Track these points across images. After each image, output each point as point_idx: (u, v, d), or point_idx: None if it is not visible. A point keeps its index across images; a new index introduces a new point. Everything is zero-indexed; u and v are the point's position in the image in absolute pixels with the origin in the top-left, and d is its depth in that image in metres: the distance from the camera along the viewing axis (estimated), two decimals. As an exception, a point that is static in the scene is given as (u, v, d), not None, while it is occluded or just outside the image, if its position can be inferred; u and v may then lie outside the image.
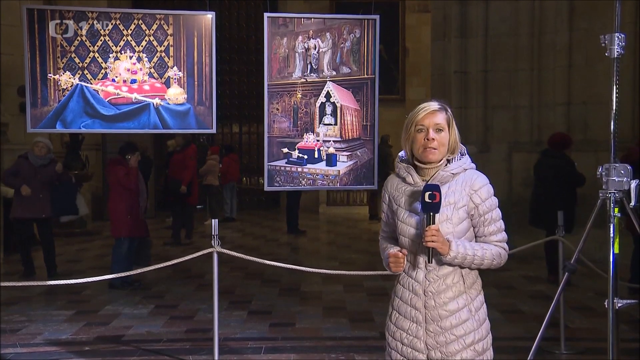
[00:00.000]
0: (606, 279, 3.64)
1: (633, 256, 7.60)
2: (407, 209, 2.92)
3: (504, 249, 2.92)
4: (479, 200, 2.87)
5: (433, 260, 2.80)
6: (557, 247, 6.91)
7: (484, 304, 2.96)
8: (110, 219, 9.10)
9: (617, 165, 3.62)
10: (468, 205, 2.86)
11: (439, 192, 2.75)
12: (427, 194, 2.74)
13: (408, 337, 2.91)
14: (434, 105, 2.88)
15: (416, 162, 2.93)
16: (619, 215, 3.60)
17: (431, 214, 2.76)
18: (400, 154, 3.03)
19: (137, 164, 9.03)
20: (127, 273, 6.71)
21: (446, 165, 2.90)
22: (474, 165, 2.96)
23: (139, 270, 6.51)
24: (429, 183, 2.83)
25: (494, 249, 2.88)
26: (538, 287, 8.45)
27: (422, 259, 2.87)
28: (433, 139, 2.84)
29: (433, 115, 2.86)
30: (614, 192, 3.60)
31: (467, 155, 2.96)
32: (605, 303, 3.62)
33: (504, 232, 2.93)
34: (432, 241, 2.74)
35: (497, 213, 2.91)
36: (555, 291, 4.21)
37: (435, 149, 2.84)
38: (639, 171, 4.04)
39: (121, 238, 8.80)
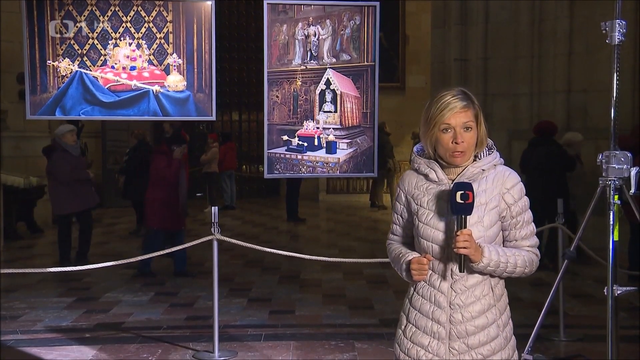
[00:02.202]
0: (605, 267, 3.65)
1: (631, 244, 7.61)
2: (432, 210, 2.58)
3: (536, 255, 2.62)
4: (512, 200, 2.57)
5: (464, 269, 2.49)
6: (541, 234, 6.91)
7: (511, 319, 2.66)
8: (145, 209, 8.91)
9: (617, 152, 3.63)
10: (500, 206, 2.56)
11: (472, 191, 2.44)
12: (458, 193, 2.43)
13: (427, 355, 2.58)
14: (459, 102, 2.52)
15: (439, 159, 2.61)
16: (618, 202, 3.60)
17: (462, 216, 2.44)
18: (415, 147, 2.72)
19: (182, 156, 8.69)
20: (125, 261, 6.69)
21: (474, 160, 2.60)
22: (502, 161, 2.66)
23: (138, 258, 6.52)
24: (459, 181, 2.52)
25: (526, 255, 2.58)
26: (537, 274, 8.44)
27: (448, 267, 2.55)
28: (462, 141, 2.52)
29: (460, 114, 2.51)
30: (614, 180, 3.61)
31: (495, 149, 2.65)
32: (605, 290, 3.63)
33: (535, 236, 2.64)
34: (465, 247, 2.42)
35: (530, 215, 2.62)
36: (554, 279, 4.22)
37: (463, 151, 2.53)
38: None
39: (155, 229, 8.60)
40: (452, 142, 2.52)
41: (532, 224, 2.63)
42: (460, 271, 2.49)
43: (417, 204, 2.63)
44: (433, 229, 2.57)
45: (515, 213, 2.57)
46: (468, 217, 2.46)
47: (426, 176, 2.63)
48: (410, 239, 2.71)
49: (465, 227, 2.44)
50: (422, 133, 2.61)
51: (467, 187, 2.44)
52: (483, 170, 2.58)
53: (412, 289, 2.67)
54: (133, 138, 12.52)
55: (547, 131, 8.95)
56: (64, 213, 9.30)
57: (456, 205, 2.43)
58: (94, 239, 11.67)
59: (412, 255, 2.61)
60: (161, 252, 6.50)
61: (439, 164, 2.61)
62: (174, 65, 5.63)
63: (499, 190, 2.56)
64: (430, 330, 2.58)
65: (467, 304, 2.54)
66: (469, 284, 2.54)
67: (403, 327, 2.68)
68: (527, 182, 8.88)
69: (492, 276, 2.56)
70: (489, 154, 2.62)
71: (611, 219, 3.59)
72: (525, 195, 2.61)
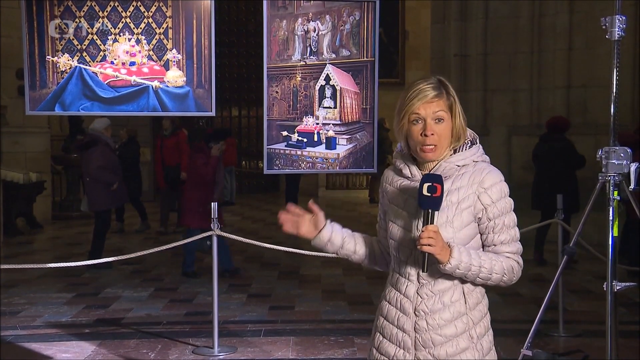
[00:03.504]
0: (605, 262, 3.65)
1: (632, 239, 7.61)
2: (401, 208, 2.42)
3: (518, 263, 2.40)
4: (488, 200, 2.33)
5: (427, 270, 2.27)
6: (546, 228, 6.88)
7: (490, 330, 2.45)
8: (182, 207, 8.77)
9: (617, 148, 3.63)
10: (475, 206, 2.33)
11: (441, 184, 2.23)
12: (425, 185, 2.23)
13: None
14: (430, 90, 2.32)
15: (414, 154, 2.42)
16: (618, 198, 3.60)
17: (429, 211, 2.23)
18: (398, 146, 2.54)
19: (220, 153, 8.39)
20: (125, 257, 6.70)
21: (451, 155, 2.39)
22: (486, 158, 2.43)
23: (139, 253, 6.51)
24: (429, 173, 2.33)
25: (505, 261, 2.35)
26: (537, 270, 8.46)
27: (413, 270, 2.36)
28: (432, 133, 2.31)
29: (430, 104, 2.31)
30: (614, 175, 3.61)
31: (478, 144, 2.43)
32: (604, 286, 3.63)
33: (518, 242, 2.41)
34: (429, 245, 2.20)
35: (511, 218, 2.38)
36: (553, 274, 4.23)
37: (434, 145, 2.32)
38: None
39: (192, 229, 8.33)
40: (421, 135, 2.32)
41: (515, 228, 2.40)
42: (423, 271, 2.28)
43: (389, 202, 2.49)
44: (400, 227, 2.40)
45: (492, 215, 2.34)
46: (436, 214, 2.26)
47: (400, 172, 2.46)
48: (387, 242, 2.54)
49: (432, 223, 2.24)
50: (395, 125, 2.42)
51: (435, 180, 2.24)
52: (459, 166, 2.37)
53: (381, 296, 2.52)
54: (124, 134, 12.40)
55: (558, 127, 8.88)
56: (103, 209, 9.09)
57: (422, 198, 2.23)
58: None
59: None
60: (161, 248, 6.48)
61: (415, 160, 2.43)
62: (174, 61, 5.61)
63: (474, 189, 2.34)
64: (395, 339, 2.40)
65: (433, 311, 2.34)
66: (436, 289, 2.35)
67: (372, 336, 2.53)
68: (537, 177, 8.89)
69: (464, 282, 2.35)
70: (468, 149, 2.40)
71: (610, 214, 3.59)
72: (509, 197, 2.39)
